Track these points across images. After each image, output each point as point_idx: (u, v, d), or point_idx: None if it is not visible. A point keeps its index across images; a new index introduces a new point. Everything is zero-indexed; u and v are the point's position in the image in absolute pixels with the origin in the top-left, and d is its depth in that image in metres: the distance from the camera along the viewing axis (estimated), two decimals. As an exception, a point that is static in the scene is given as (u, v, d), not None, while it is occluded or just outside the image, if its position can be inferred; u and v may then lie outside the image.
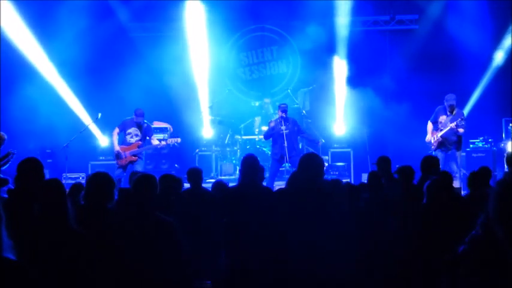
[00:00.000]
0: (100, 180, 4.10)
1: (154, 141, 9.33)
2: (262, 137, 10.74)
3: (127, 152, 9.05)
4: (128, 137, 9.15)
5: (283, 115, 9.10)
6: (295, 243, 3.94)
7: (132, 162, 9.02)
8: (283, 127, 9.05)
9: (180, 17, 11.61)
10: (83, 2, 11.21)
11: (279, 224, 4.10)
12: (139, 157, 9.16)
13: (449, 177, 4.64)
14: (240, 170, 4.95)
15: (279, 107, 9.31)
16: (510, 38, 10.84)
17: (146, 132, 9.30)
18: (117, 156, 9.07)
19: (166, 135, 11.34)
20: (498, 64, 11.06)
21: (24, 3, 10.44)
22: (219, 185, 5.80)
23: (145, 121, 9.32)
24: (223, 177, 10.95)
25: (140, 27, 12.45)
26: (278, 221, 4.12)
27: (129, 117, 9.27)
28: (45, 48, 10.81)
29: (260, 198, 4.71)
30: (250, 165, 4.86)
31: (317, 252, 3.85)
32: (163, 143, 9.46)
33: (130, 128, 9.18)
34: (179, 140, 9.50)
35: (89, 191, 4.13)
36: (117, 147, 9.06)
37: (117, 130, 9.20)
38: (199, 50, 11.56)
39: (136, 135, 9.17)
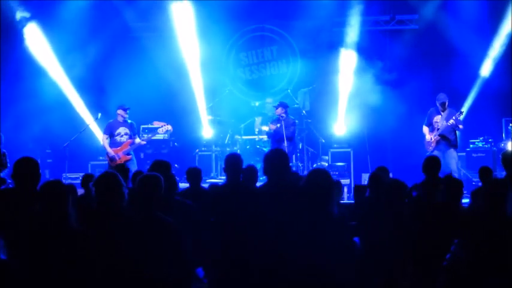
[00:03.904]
0: (111, 181, 3.86)
1: (137, 140, 9.41)
2: (262, 137, 10.86)
3: (120, 153, 9.12)
4: (118, 138, 9.24)
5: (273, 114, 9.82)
6: (285, 243, 3.89)
7: (126, 161, 9.01)
8: (273, 126, 9.95)
9: (181, 17, 11.59)
10: (85, 2, 11.22)
11: (266, 223, 4.03)
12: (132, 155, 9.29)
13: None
14: (223, 169, 4.85)
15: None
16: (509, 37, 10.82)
17: (133, 129, 9.42)
18: (112, 159, 9.12)
19: (166, 135, 11.34)
20: (485, 76, 10.99)
21: (30, 2, 10.45)
22: (213, 187, 5.84)
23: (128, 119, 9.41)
24: (223, 177, 10.98)
25: (143, 27, 12.40)
26: (266, 219, 4.06)
27: (112, 119, 9.41)
28: (49, 47, 10.79)
29: (244, 197, 4.59)
30: (232, 163, 4.75)
31: (311, 253, 3.79)
32: (145, 136, 9.96)
33: (117, 128, 9.27)
34: (170, 127, 9.68)
35: (100, 193, 3.83)
36: (111, 152, 9.14)
37: (105, 136, 9.29)
38: (198, 49, 11.55)
39: (126, 133, 9.27)
